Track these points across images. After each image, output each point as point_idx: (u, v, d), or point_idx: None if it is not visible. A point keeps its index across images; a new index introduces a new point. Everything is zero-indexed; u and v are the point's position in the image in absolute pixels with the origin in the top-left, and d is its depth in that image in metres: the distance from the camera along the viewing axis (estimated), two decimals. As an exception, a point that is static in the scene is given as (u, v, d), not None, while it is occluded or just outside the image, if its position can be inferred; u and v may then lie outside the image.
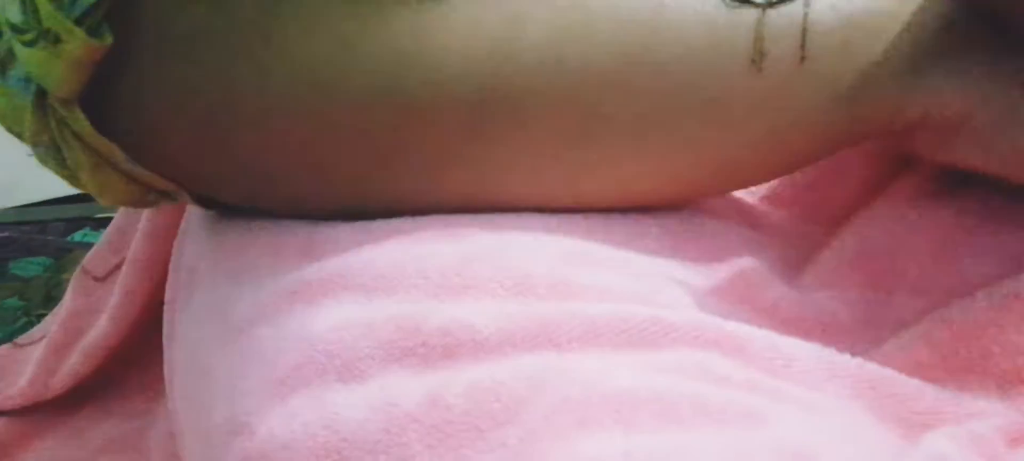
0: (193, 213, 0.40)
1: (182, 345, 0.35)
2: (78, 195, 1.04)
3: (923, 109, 0.31)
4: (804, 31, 0.31)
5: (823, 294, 0.33)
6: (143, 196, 0.36)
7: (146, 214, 0.52)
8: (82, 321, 0.56)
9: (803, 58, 0.31)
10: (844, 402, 0.29)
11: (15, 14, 0.31)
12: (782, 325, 0.32)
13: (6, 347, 0.60)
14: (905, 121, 0.32)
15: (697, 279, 0.33)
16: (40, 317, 0.71)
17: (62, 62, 0.31)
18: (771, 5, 0.31)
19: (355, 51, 0.31)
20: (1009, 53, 0.31)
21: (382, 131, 0.32)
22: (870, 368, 0.29)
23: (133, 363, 0.56)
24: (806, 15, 0.31)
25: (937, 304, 0.32)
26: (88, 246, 0.82)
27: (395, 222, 0.32)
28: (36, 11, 0.31)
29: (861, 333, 0.32)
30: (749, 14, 0.31)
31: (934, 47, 0.31)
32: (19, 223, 0.87)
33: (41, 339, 0.58)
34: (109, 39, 0.31)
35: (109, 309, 0.53)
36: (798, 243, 0.36)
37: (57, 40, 0.31)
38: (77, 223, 0.86)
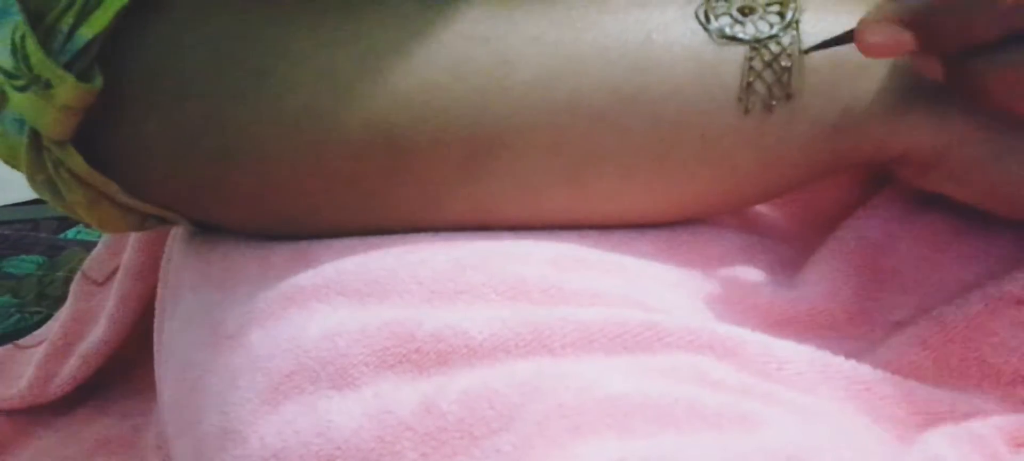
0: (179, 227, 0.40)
1: (171, 354, 0.35)
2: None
3: (904, 146, 0.32)
4: (792, 69, 0.31)
5: (817, 294, 0.33)
6: (140, 223, 0.37)
7: None
8: (82, 326, 0.56)
9: (789, 96, 0.31)
10: (838, 404, 0.29)
11: (6, 60, 0.32)
12: (776, 326, 0.32)
13: (7, 348, 0.60)
14: (887, 155, 0.32)
15: (691, 282, 0.33)
16: (33, 314, 0.71)
17: (53, 107, 0.31)
18: (759, 42, 0.31)
19: (348, 91, 0.31)
20: None
21: (376, 169, 0.32)
22: (864, 370, 0.29)
23: (130, 364, 0.55)
24: (796, 53, 0.31)
25: (928, 304, 0.32)
26: (81, 243, 0.81)
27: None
28: (27, 57, 0.31)
29: (854, 333, 0.32)
30: (737, 51, 0.31)
31: (916, 86, 0.31)
32: (11, 221, 0.87)
33: (42, 343, 0.58)
34: (99, 83, 0.32)
35: (106, 314, 0.53)
36: (793, 244, 0.36)
37: (48, 86, 0.31)
38: (70, 221, 0.85)
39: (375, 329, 0.29)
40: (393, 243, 0.32)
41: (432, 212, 0.33)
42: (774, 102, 0.31)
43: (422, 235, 0.32)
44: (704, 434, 0.26)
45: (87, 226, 0.84)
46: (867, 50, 0.29)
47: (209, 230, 0.37)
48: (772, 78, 0.31)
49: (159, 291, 0.41)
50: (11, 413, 0.55)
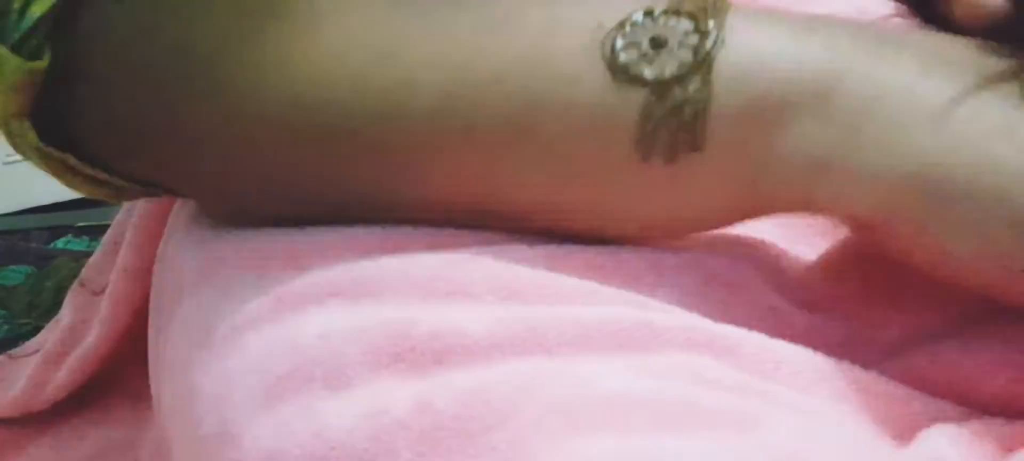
0: (175, 225, 0.40)
1: (167, 357, 0.35)
2: (60, 203, 1.04)
3: (834, 208, 0.29)
4: (697, 120, 0.28)
5: (809, 322, 0.32)
6: (117, 192, 0.38)
7: (133, 223, 0.52)
8: (77, 334, 0.56)
9: (695, 148, 0.28)
10: (836, 405, 0.28)
11: None
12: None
13: (1, 358, 0.60)
14: (817, 211, 0.30)
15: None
16: (22, 325, 0.71)
17: (2, 84, 0.33)
18: (662, 84, 0.28)
19: (261, 99, 0.32)
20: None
21: (297, 167, 0.33)
22: (860, 372, 0.29)
23: (125, 371, 0.55)
24: (703, 102, 0.28)
25: (918, 324, 0.31)
26: (71, 253, 0.81)
27: (379, 232, 0.32)
28: None
29: (845, 353, 0.32)
30: (638, 94, 0.28)
31: (840, 148, 0.28)
32: (0, 232, 0.87)
33: (36, 352, 0.58)
34: (46, 61, 0.33)
35: (99, 318, 0.53)
36: (785, 255, 0.36)
37: None
38: (59, 231, 0.85)
39: (371, 328, 0.29)
40: (385, 244, 0.31)
41: (363, 208, 0.32)
42: (678, 153, 0.29)
43: (413, 236, 0.32)
44: (702, 433, 0.26)
45: (76, 229, 0.84)
46: None
47: (202, 229, 0.37)
48: (676, 126, 0.28)
49: (152, 295, 0.41)
50: (4, 422, 0.55)
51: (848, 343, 0.32)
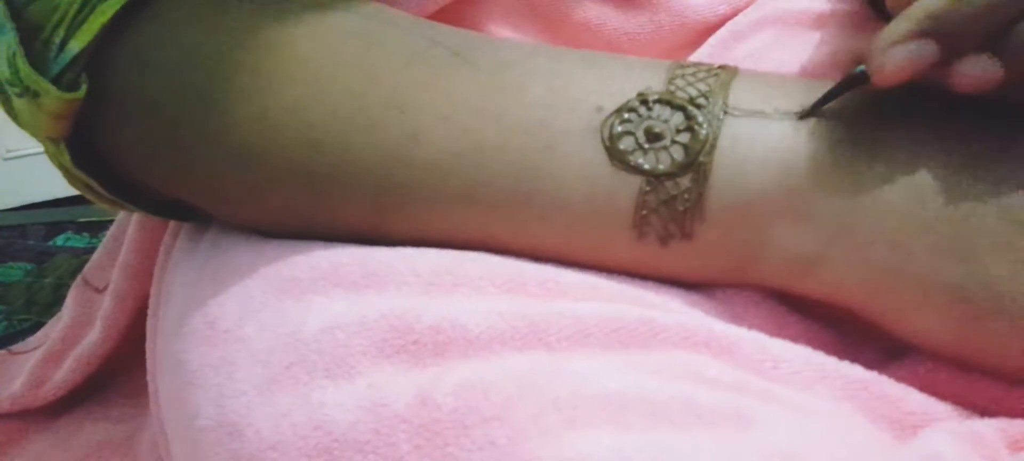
0: (179, 223, 0.40)
1: (166, 349, 0.35)
2: (59, 199, 1.04)
3: (818, 294, 0.30)
4: (688, 215, 0.29)
5: (806, 315, 0.33)
6: (132, 212, 0.39)
7: (135, 221, 0.52)
8: (79, 331, 0.56)
9: (687, 238, 0.30)
10: (834, 403, 0.28)
11: (6, 72, 0.35)
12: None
13: (1, 353, 0.60)
14: (803, 294, 0.31)
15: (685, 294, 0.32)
16: (21, 321, 0.71)
17: (43, 113, 0.34)
18: (656, 177, 0.29)
19: (276, 137, 0.33)
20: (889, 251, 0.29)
21: (303, 203, 0.33)
22: (859, 370, 0.29)
23: (124, 368, 0.55)
24: (693, 200, 0.29)
25: None
26: (70, 250, 0.81)
27: None
28: (17, 70, 0.34)
29: (844, 354, 0.32)
30: (634, 181, 0.30)
31: (815, 255, 0.30)
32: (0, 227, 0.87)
33: (37, 348, 0.58)
34: (82, 93, 0.34)
35: (100, 316, 0.53)
36: None
37: (36, 95, 0.34)
38: (58, 227, 0.85)
39: (374, 321, 0.29)
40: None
41: (362, 240, 0.33)
42: (670, 238, 0.30)
43: None
44: (700, 431, 0.26)
45: (75, 225, 0.84)
46: (887, 78, 0.27)
47: (204, 226, 0.37)
48: (668, 216, 0.30)
49: (152, 290, 0.41)
50: (4, 417, 0.55)
51: (847, 344, 0.32)
